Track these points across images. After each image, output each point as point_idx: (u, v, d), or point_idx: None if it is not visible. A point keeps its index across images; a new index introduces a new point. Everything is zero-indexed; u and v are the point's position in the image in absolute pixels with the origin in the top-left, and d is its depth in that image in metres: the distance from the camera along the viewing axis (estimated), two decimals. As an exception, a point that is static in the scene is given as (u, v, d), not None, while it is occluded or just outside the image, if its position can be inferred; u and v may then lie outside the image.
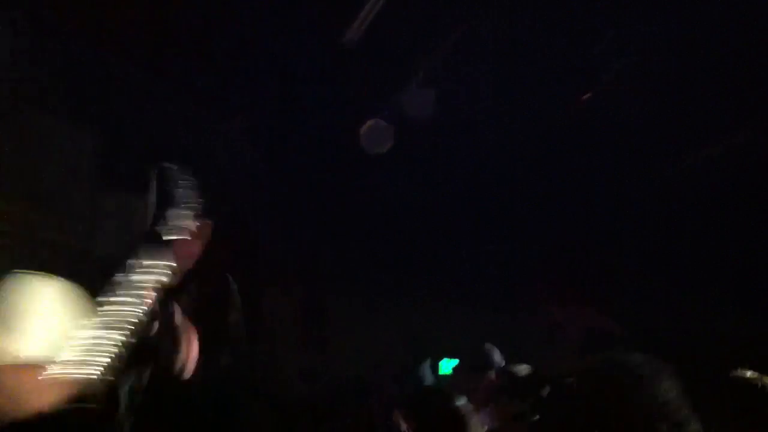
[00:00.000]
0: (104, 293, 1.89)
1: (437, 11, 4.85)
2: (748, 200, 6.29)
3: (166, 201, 1.97)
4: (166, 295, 1.96)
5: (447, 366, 7.28)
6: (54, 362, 1.69)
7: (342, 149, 6.08)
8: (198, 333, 2.20)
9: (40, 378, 1.66)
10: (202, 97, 5.71)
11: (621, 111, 5.54)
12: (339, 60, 5.13)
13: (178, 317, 2.12)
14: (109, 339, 1.78)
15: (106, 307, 1.82)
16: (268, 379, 6.38)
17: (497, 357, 3.54)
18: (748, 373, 2.76)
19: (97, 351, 1.77)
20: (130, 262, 1.90)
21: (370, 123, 5.44)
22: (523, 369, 3.15)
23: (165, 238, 1.92)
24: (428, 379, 5.59)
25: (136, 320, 1.83)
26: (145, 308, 1.85)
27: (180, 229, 1.93)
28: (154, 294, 1.88)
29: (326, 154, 6.31)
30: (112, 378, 1.88)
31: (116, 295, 1.85)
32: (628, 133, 5.96)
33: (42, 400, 1.64)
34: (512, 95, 5.61)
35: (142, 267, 1.89)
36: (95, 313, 1.83)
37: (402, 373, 6.03)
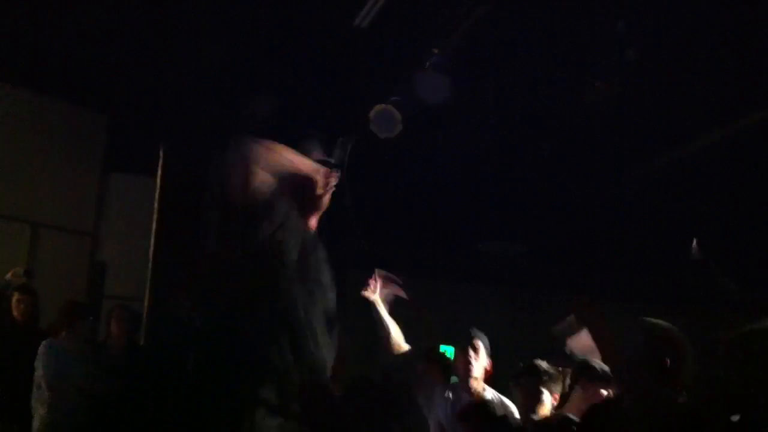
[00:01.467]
0: None
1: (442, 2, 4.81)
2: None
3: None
4: None
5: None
6: None
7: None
8: None
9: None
10: (210, 87, 5.72)
11: (620, 107, 5.50)
12: (347, 46, 5.13)
13: None
14: None
15: None
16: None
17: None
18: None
19: None
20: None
21: (379, 107, 5.42)
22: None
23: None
24: None
25: None
26: None
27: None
28: None
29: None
30: None
31: None
32: (627, 128, 5.93)
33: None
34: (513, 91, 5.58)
35: None
36: None
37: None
